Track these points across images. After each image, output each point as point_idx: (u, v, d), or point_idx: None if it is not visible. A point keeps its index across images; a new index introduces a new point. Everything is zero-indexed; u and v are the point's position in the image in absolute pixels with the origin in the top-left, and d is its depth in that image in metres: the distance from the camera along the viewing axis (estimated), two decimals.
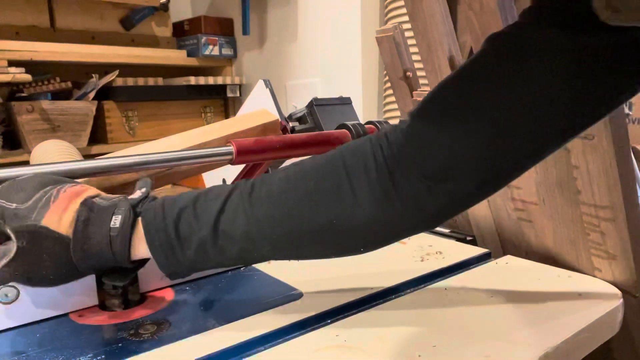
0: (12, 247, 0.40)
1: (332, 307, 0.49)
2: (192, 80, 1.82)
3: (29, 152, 1.07)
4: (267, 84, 0.83)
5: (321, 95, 0.88)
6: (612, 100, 0.39)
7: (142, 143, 0.61)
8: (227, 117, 2.03)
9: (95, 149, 1.61)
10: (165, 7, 1.88)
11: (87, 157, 0.65)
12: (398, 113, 0.96)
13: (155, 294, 0.54)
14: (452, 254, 0.64)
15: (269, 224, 0.43)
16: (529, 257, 0.66)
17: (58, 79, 1.52)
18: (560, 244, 0.62)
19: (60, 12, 1.65)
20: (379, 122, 0.78)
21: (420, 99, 0.56)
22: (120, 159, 0.53)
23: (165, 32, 1.94)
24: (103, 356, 0.42)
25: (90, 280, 0.50)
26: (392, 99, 1.41)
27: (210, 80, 1.87)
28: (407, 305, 0.51)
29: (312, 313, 0.48)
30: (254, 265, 0.61)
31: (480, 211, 0.73)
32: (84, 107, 1.56)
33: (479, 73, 0.41)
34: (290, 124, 0.79)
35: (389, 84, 1.44)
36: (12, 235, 0.40)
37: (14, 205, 0.42)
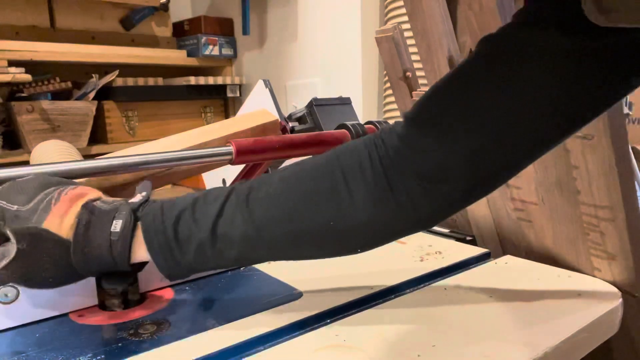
0: (12, 248, 0.40)
1: (331, 306, 0.49)
2: (192, 80, 1.82)
3: (29, 152, 1.07)
4: (267, 84, 0.83)
5: (321, 95, 0.88)
6: (608, 100, 0.39)
7: (142, 143, 0.61)
8: (227, 117, 2.03)
9: (95, 149, 1.61)
10: (165, 7, 1.88)
11: (87, 157, 0.65)
12: (398, 113, 0.96)
13: (155, 293, 0.54)
14: (451, 253, 0.64)
15: (266, 225, 0.43)
16: (529, 257, 0.66)
17: (58, 79, 1.52)
18: (560, 244, 0.62)
19: (60, 12, 1.65)
20: (378, 122, 0.79)
21: None
22: (120, 159, 0.53)
23: (165, 32, 1.94)
24: (103, 356, 0.42)
25: (90, 280, 0.50)
26: (392, 99, 1.41)
27: (210, 80, 1.87)
28: (407, 305, 0.51)
29: (312, 313, 0.48)
30: (254, 265, 0.61)
31: (480, 211, 0.73)
32: (84, 107, 1.56)
33: (472, 76, 0.41)
34: (290, 124, 0.79)
35: (388, 84, 1.44)
36: (12, 237, 0.40)
37: (15, 207, 0.42)
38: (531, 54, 0.38)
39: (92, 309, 0.51)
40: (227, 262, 0.45)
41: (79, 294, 0.50)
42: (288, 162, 0.55)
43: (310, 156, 0.48)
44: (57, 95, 1.56)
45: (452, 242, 0.70)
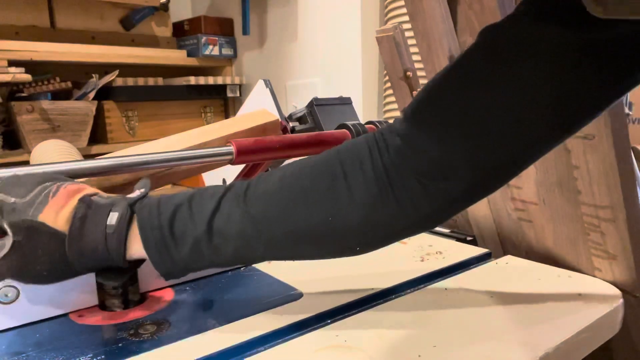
0: (8, 241, 0.41)
1: (332, 307, 0.49)
2: (192, 80, 1.82)
3: (29, 152, 1.07)
4: (267, 83, 0.83)
5: (321, 95, 0.88)
6: (610, 96, 0.38)
7: (142, 143, 0.61)
8: (227, 117, 2.03)
9: (95, 149, 1.61)
10: (165, 7, 1.88)
11: (87, 157, 0.65)
12: (398, 113, 0.96)
13: (155, 294, 0.54)
14: (452, 254, 0.64)
15: (264, 222, 0.42)
16: (529, 257, 0.66)
17: (58, 79, 1.53)
18: (561, 244, 0.62)
19: (60, 12, 1.65)
20: (379, 122, 0.78)
21: None
22: (120, 159, 0.53)
23: (165, 32, 1.94)
24: (103, 356, 0.42)
25: (90, 280, 0.50)
26: (392, 99, 1.41)
27: (210, 80, 1.87)
28: (407, 305, 0.51)
29: (312, 313, 0.48)
30: (253, 265, 0.61)
31: (480, 211, 0.72)
32: (84, 107, 1.56)
33: (472, 73, 0.40)
34: (291, 124, 0.79)
35: (389, 84, 1.44)
36: (9, 230, 0.41)
37: (13, 199, 0.42)
38: (531, 48, 0.37)
39: (92, 309, 0.51)
40: (223, 259, 0.44)
41: (79, 294, 0.50)
42: (288, 162, 0.55)
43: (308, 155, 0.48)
44: (57, 95, 1.56)
45: (452, 242, 0.70)
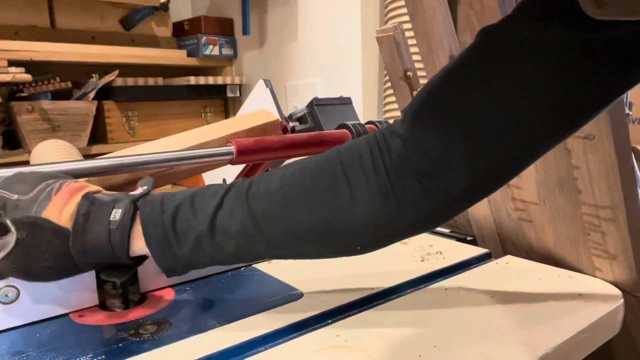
0: (12, 238, 0.41)
1: (332, 307, 0.49)
2: (192, 80, 1.82)
3: (29, 152, 1.07)
4: (267, 83, 0.83)
5: (321, 95, 0.88)
6: (608, 96, 0.38)
7: (142, 143, 0.61)
8: (227, 117, 2.03)
9: (95, 149, 1.61)
10: (165, 7, 1.88)
11: (87, 157, 0.65)
12: (398, 113, 0.96)
13: (156, 294, 0.54)
14: (452, 254, 0.64)
15: (265, 221, 0.42)
16: (530, 257, 0.66)
17: (58, 79, 1.53)
18: (561, 244, 0.62)
19: (60, 12, 1.65)
20: (379, 122, 0.78)
21: None
22: (120, 159, 0.53)
23: (165, 32, 1.94)
24: (103, 356, 0.42)
25: (90, 279, 0.50)
26: (392, 99, 1.41)
27: (210, 80, 1.87)
28: (408, 305, 0.51)
29: (313, 313, 0.48)
30: (254, 265, 0.61)
31: (481, 211, 0.72)
32: (84, 107, 1.56)
33: (471, 73, 0.40)
34: (291, 124, 0.79)
35: (389, 84, 1.44)
36: (12, 227, 0.41)
37: (16, 196, 0.42)
38: (531, 49, 0.37)
39: (92, 309, 0.51)
40: (225, 257, 0.44)
41: (79, 294, 0.50)
42: (288, 162, 0.55)
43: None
44: (57, 95, 1.56)
45: (452, 242, 0.70)
